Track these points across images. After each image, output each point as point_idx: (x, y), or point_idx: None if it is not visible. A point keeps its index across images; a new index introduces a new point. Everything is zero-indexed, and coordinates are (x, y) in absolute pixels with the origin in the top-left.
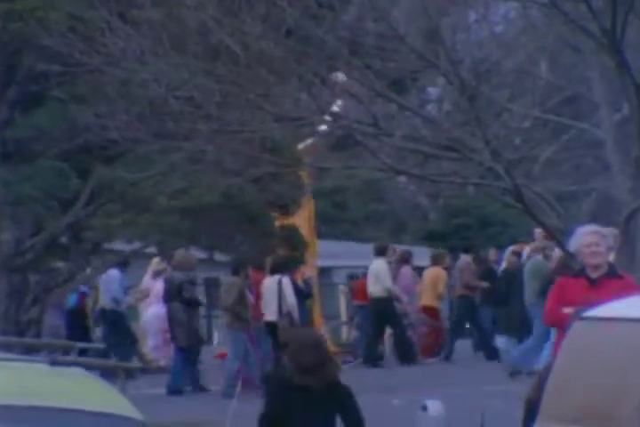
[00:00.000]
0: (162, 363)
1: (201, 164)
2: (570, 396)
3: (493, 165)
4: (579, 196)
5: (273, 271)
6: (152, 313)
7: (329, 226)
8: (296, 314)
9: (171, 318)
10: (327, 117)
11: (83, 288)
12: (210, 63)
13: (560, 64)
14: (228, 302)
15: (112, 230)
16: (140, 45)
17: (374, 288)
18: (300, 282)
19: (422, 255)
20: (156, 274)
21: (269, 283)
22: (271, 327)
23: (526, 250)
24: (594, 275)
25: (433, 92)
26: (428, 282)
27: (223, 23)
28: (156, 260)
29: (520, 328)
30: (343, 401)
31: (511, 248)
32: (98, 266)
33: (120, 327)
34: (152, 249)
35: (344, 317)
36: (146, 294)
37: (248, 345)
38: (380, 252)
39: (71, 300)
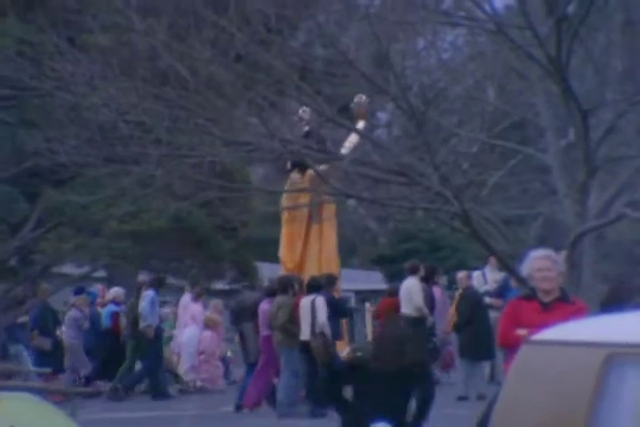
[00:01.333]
0: (198, 384)
1: (150, 188)
2: (517, 419)
3: (442, 189)
4: (526, 220)
5: (309, 291)
6: (188, 335)
7: (277, 250)
8: (328, 333)
9: (243, 337)
10: (277, 142)
11: (115, 308)
12: (159, 88)
13: (507, 90)
14: (281, 321)
15: (63, 254)
16: (90, 70)
17: (407, 307)
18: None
19: (372, 279)
20: (196, 297)
21: (305, 303)
22: (305, 347)
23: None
24: (546, 299)
25: (382, 117)
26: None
27: (172, 48)
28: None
29: (488, 353)
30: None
31: (465, 272)
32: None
33: (154, 346)
34: (101, 273)
35: (370, 336)
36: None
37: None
38: (412, 270)
39: (105, 320)
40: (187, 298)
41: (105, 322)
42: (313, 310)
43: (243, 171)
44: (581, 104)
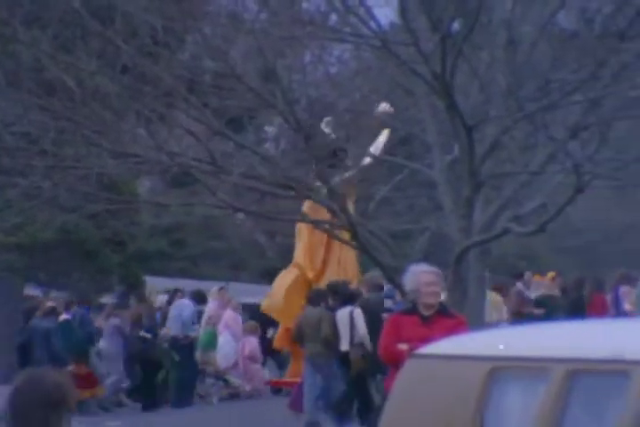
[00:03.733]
0: (247, 388)
1: (37, 200)
2: None
3: (329, 203)
4: (412, 234)
5: (343, 303)
6: (222, 342)
7: (166, 263)
8: (368, 344)
9: None
10: (164, 155)
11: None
12: (45, 99)
13: (394, 105)
14: (325, 333)
15: None
16: None
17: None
18: None
19: (261, 292)
20: (225, 304)
21: (341, 315)
22: (344, 358)
23: None
24: (426, 313)
25: (270, 130)
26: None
27: (58, 59)
28: (215, 289)
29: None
30: None
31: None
32: None
33: (188, 355)
34: None
35: None
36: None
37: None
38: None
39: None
40: (213, 305)
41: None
42: (351, 322)
43: (130, 183)
44: (466, 120)
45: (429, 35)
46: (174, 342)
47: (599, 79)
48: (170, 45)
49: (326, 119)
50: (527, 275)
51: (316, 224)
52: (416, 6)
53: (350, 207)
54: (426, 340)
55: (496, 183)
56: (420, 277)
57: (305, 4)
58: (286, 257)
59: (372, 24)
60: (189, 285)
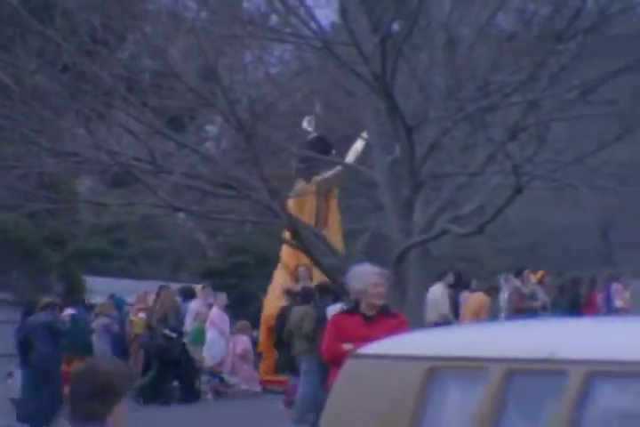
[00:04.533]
0: (243, 386)
1: None
2: None
3: (271, 203)
4: (353, 234)
5: (335, 300)
6: (210, 339)
7: (106, 262)
8: None
9: None
10: (104, 153)
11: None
12: None
13: (334, 106)
14: (307, 330)
15: None
16: None
17: (432, 314)
18: None
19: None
20: (209, 302)
21: (332, 311)
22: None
23: None
24: (369, 312)
25: (211, 130)
26: (473, 309)
27: None
28: (198, 287)
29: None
30: None
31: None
32: None
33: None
34: None
35: None
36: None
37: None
38: (438, 277)
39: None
40: (197, 304)
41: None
42: None
43: (70, 182)
44: (406, 121)
45: (370, 36)
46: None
47: (537, 81)
48: (109, 44)
49: (307, 118)
50: (525, 273)
51: (255, 224)
52: (356, 7)
53: (333, 205)
54: (368, 340)
55: (436, 184)
56: (368, 277)
57: (245, 4)
58: (227, 257)
59: (313, 24)
60: (129, 284)
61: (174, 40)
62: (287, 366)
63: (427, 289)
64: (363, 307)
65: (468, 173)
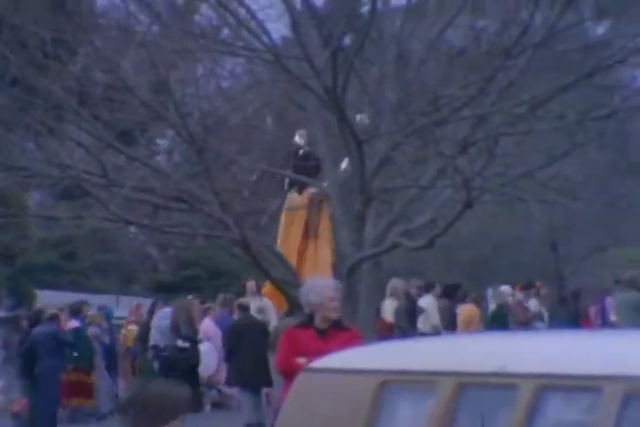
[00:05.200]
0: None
1: None
2: None
3: (222, 216)
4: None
5: None
6: (203, 351)
7: (56, 276)
8: None
9: None
10: (55, 168)
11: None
12: None
13: (286, 119)
14: None
15: None
16: None
17: (423, 325)
18: None
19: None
20: (204, 312)
21: None
22: None
23: None
24: (322, 326)
25: (162, 143)
26: (464, 320)
27: None
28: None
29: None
30: None
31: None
32: None
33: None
34: None
35: None
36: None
37: None
38: (428, 288)
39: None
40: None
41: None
42: None
43: (20, 196)
44: (357, 135)
45: (321, 49)
46: (156, 352)
47: (487, 95)
48: (60, 57)
49: (300, 132)
50: (537, 285)
51: (207, 238)
52: (307, 21)
53: (325, 217)
54: (321, 353)
55: (387, 197)
56: (325, 291)
57: (197, 17)
58: (178, 270)
59: (265, 38)
60: (80, 298)
61: (126, 54)
62: (237, 379)
63: (378, 302)
64: (317, 321)
65: (418, 187)
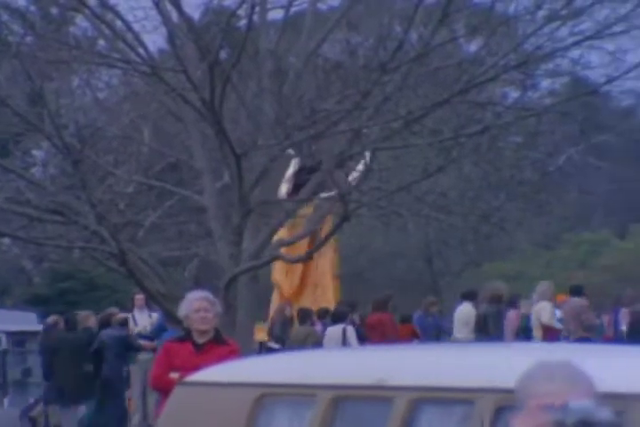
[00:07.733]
0: None
1: None
2: None
3: (98, 228)
4: (182, 261)
5: (335, 321)
6: None
7: None
8: None
9: None
10: None
11: None
12: None
13: (163, 131)
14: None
15: None
16: None
17: (460, 332)
18: None
19: (26, 319)
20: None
21: (333, 332)
22: None
23: None
24: (200, 340)
25: (38, 155)
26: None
27: None
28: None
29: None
30: None
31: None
32: None
33: None
34: None
35: None
36: None
37: None
38: (467, 296)
39: None
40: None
41: None
42: (344, 339)
43: None
44: (235, 148)
45: (198, 62)
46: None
47: (363, 110)
48: None
49: (294, 160)
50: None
51: (83, 250)
52: (184, 34)
53: (327, 228)
54: (198, 368)
55: (265, 211)
56: (191, 303)
57: (72, 29)
58: (54, 283)
59: (141, 50)
60: None
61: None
62: (56, 397)
63: (255, 315)
64: (194, 334)
65: (296, 201)
